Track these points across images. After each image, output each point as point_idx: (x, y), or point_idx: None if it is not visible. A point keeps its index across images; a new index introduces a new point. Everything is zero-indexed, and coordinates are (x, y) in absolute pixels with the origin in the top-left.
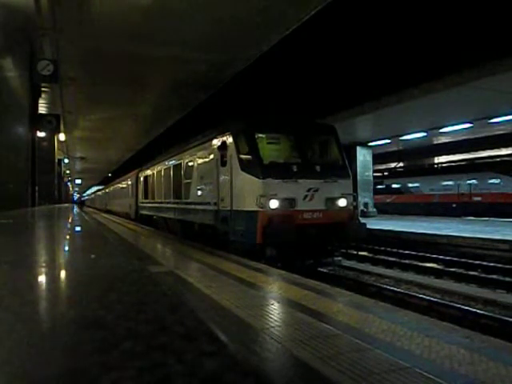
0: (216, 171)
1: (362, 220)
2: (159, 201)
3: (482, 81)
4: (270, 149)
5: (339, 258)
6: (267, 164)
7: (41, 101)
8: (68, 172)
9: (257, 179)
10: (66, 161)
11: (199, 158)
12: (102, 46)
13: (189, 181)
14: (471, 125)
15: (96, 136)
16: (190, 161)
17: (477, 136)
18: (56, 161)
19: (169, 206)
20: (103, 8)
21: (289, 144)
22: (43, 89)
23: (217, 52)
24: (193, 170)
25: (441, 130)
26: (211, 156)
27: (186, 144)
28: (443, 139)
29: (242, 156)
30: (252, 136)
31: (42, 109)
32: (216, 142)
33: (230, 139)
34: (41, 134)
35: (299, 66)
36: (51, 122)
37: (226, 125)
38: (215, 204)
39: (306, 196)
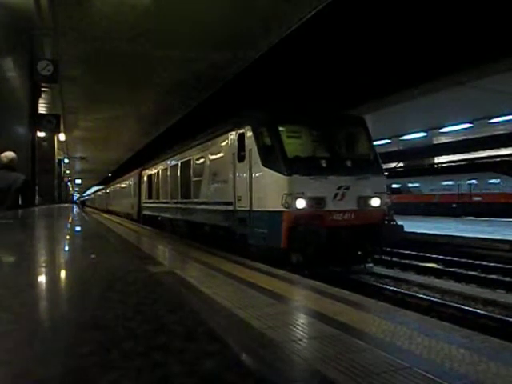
0: (232, 167)
1: None
2: (164, 201)
3: (482, 81)
4: (295, 142)
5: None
6: (292, 159)
7: (41, 101)
8: (68, 172)
9: (282, 176)
10: (66, 161)
11: (211, 153)
12: (102, 45)
13: (199, 179)
14: (471, 125)
15: (96, 136)
16: (201, 157)
17: (477, 136)
18: (56, 161)
19: (175, 206)
20: (103, 8)
21: (315, 137)
22: (43, 89)
23: (217, 52)
24: (204, 166)
25: (441, 130)
26: (226, 151)
27: (196, 139)
28: (443, 139)
29: (264, 150)
30: (275, 128)
31: (42, 109)
32: (232, 136)
33: (249, 132)
34: (41, 134)
35: (301, 65)
36: (51, 122)
37: (243, 116)
38: (230, 204)
39: (337, 194)
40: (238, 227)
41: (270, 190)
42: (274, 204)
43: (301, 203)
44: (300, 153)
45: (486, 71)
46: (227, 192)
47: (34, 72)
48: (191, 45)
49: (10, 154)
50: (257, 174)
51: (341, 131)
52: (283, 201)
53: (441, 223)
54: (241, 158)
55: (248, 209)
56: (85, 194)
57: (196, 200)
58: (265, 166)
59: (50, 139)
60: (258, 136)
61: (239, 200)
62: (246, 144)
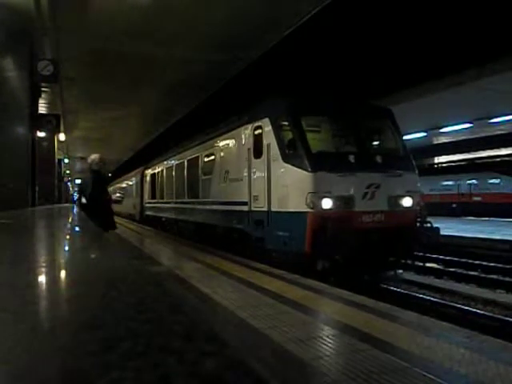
0: (247, 164)
1: None
2: (169, 201)
3: (482, 81)
4: (320, 135)
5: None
6: (317, 153)
7: (41, 101)
8: (68, 172)
9: (305, 172)
10: (66, 161)
11: (223, 149)
12: (101, 45)
13: (208, 177)
14: (471, 125)
15: (96, 136)
16: (211, 153)
17: (477, 136)
18: (56, 161)
19: (182, 206)
20: (103, 8)
21: (342, 129)
22: (43, 89)
23: (217, 52)
24: (214, 164)
25: (441, 130)
26: (240, 146)
27: (205, 134)
28: (443, 139)
29: (285, 144)
30: (297, 120)
31: (42, 109)
32: (248, 130)
33: (267, 125)
34: (41, 134)
35: (300, 65)
36: (51, 122)
37: (259, 108)
38: (245, 204)
39: (366, 193)
40: (254, 230)
41: (291, 189)
42: (296, 204)
43: (327, 203)
44: (325, 147)
45: (486, 71)
46: (241, 191)
47: (34, 72)
48: (191, 45)
49: (92, 156)
50: (276, 171)
51: (369, 123)
52: (307, 200)
53: (441, 223)
54: (257, 154)
55: (266, 209)
56: None
57: (205, 200)
58: (286, 161)
59: (49, 139)
60: (277, 129)
61: (256, 200)
62: (264, 138)
